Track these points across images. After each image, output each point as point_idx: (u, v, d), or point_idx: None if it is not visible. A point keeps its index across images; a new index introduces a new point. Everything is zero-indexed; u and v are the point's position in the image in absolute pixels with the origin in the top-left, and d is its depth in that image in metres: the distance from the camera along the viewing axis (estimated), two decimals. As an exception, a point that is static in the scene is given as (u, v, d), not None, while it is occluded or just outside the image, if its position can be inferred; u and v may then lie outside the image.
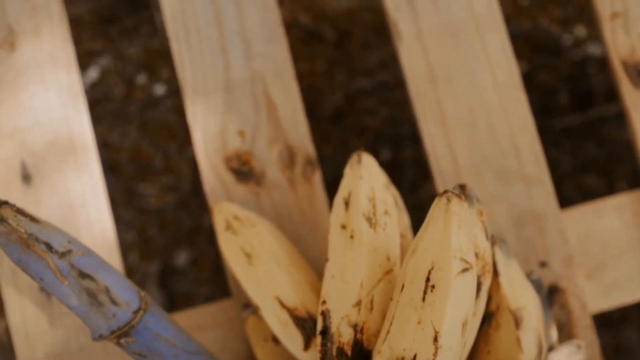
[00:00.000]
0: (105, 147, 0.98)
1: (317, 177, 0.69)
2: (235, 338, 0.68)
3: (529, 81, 1.01)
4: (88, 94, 0.97)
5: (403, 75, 0.69)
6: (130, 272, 0.95)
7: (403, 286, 0.50)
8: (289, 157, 0.68)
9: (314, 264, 0.66)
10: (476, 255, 0.55)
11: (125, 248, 0.96)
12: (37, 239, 0.54)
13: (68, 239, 0.55)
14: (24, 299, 0.66)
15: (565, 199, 0.98)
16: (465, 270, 0.49)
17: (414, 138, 0.99)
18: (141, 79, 0.99)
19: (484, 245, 0.55)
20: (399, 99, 1.00)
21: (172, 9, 0.69)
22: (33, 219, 0.55)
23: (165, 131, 0.99)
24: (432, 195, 0.96)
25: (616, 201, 0.70)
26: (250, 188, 0.68)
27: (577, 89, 1.03)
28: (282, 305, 0.57)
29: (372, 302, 0.53)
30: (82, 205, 0.67)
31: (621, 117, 1.02)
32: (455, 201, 0.50)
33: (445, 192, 0.50)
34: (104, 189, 0.67)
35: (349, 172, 0.58)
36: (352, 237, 0.54)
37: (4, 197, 0.66)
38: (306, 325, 0.56)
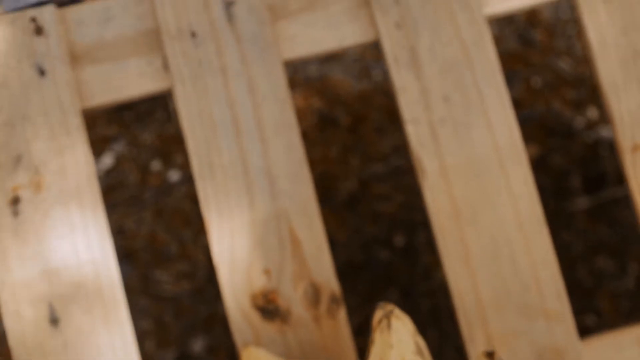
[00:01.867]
0: (120, 234, 0.99)
1: (342, 314, 0.69)
2: None
3: (542, 164, 1.01)
4: (102, 181, 0.97)
5: (427, 213, 0.70)
6: (147, 361, 0.96)
7: None
8: (314, 295, 0.69)
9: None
10: None
11: (141, 336, 0.97)
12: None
13: None
14: None
15: (580, 288, 0.99)
16: None
17: (428, 223, 1.00)
18: (156, 165, 1.00)
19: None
20: (413, 185, 1.00)
21: (196, 145, 0.70)
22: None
23: (180, 218, 0.99)
24: (445, 282, 0.97)
25: (636, 332, 0.71)
26: (277, 326, 0.68)
27: (589, 171, 1.03)
28: None
29: None
30: (110, 350, 0.67)
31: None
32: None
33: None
34: (132, 334, 0.68)
35: (378, 337, 0.58)
36: (384, 413, 0.55)
37: (31, 341, 0.66)
38: None
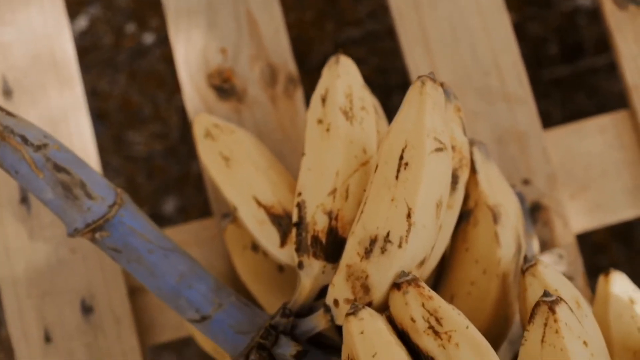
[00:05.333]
0: (94, 96, 0.98)
1: (299, 95, 0.68)
2: (216, 256, 0.67)
3: (519, 32, 1.00)
4: (76, 43, 0.97)
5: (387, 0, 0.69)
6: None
7: (377, 167, 0.49)
8: (271, 75, 0.68)
9: (295, 179, 0.66)
10: (453, 148, 0.54)
11: (113, 195, 0.96)
12: (12, 132, 0.54)
13: (44, 134, 0.55)
14: (4, 213, 0.66)
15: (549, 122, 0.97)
16: (439, 150, 0.48)
17: (404, 87, 0.99)
18: (130, 27, 0.99)
19: (462, 139, 0.55)
20: (388, 49, 1.00)
21: None
22: (9, 113, 0.55)
23: (154, 80, 0.99)
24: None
25: (599, 122, 0.70)
26: (232, 105, 0.68)
27: (567, 40, 1.02)
28: (259, 204, 0.57)
29: (347, 191, 0.52)
30: (63, 120, 0.67)
31: (612, 69, 1.01)
32: (429, 84, 0.49)
33: (420, 76, 0.50)
34: (84, 104, 0.67)
35: (326, 72, 0.57)
36: (328, 130, 0.54)
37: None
38: (282, 222, 0.56)
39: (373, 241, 0.48)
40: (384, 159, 0.49)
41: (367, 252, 0.48)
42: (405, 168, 0.48)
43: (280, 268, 0.62)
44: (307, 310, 0.53)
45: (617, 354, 0.56)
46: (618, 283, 0.59)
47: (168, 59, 0.98)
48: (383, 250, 0.48)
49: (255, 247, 0.61)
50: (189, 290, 0.55)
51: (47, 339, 0.64)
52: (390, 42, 0.99)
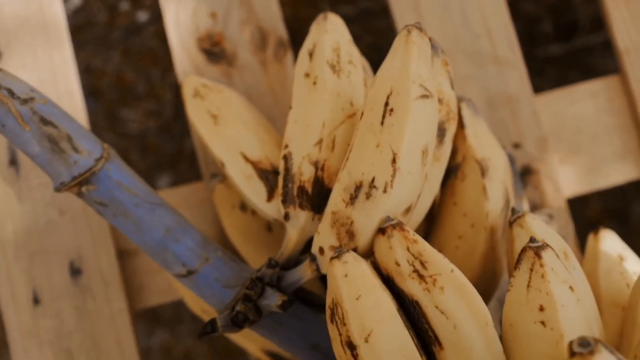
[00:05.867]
0: (87, 73, 0.98)
1: (289, 59, 0.68)
2: (206, 220, 0.67)
3: (513, 10, 1.00)
4: (70, 20, 0.97)
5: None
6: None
7: (362, 114, 0.49)
8: (261, 39, 0.68)
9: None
10: (440, 101, 0.54)
11: (106, 172, 0.96)
12: (-1, 85, 0.54)
13: (30, 88, 0.55)
14: (-7, 175, 0.65)
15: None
16: (424, 96, 0.48)
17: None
18: (124, 5, 0.99)
19: (449, 93, 0.54)
20: (382, 26, 1.00)
21: None
22: (-5, 67, 0.54)
23: (148, 57, 0.99)
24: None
25: (590, 87, 0.69)
26: (222, 69, 0.68)
27: (562, 19, 1.02)
28: (247, 159, 0.57)
29: (333, 141, 0.52)
30: (52, 81, 0.66)
31: (607, 47, 1.01)
32: (415, 32, 0.49)
33: (407, 25, 0.50)
34: (74, 65, 0.67)
35: (314, 27, 0.57)
36: (315, 83, 0.54)
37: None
38: (270, 177, 0.56)
39: (358, 187, 0.48)
40: (369, 106, 0.49)
41: (352, 198, 0.48)
42: (390, 114, 0.48)
43: (269, 227, 0.61)
44: (293, 263, 0.53)
45: (606, 310, 0.56)
46: (608, 241, 0.58)
47: (162, 37, 0.97)
48: (368, 195, 0.47)
49: (243, 206, 0.61)
50: (176, 244, 0.55)
51: (36, 300, 0.64)
52: (384, 20, 0.99)
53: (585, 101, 0.69)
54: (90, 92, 0.98)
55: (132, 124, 0.98)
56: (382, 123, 0.48)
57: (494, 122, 0.67)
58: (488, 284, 0.56)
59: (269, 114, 0.67)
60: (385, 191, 0.47)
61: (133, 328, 0.65)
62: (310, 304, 0.56)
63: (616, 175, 0.68)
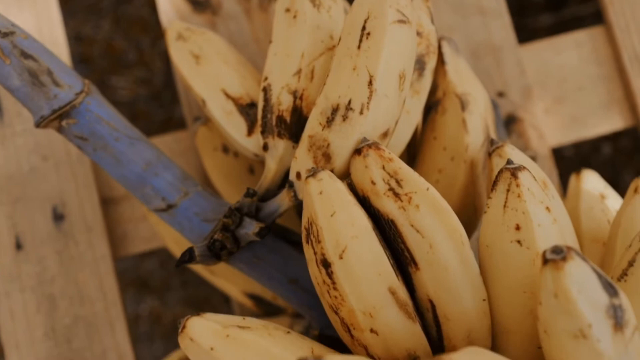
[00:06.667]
0: (78, 41, 0.98)
1: (274, 8, 0.68)
2: (190, 168, 0.67)
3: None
4: (62, -11, 0.97)
5: None
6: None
7: (340, 40, 0.49)
8: (246, -12, 0.68)
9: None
10: (420, 34, 0.54)
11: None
12: (-21, 18, 0.54)
13: (11, 23, 0.55)
14: (-23, 122, 0.65)
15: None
16: (401, 22, 0.48)
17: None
18: (115, -26, 1.00)
19: (429, 27, 0.54)
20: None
21: None
22: (-24, 1, 0.55)
23: (138, 25, 0.99)
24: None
25: (575, 37, 0.69)
26: (207, 18, 0.68)
27: (552, -11, 1.02)
28: (227, 96, 0.57)
29: (312, 72, 0.52)
30: (37, 34, 0.67)
31: (597, 18, 1.01)
32: (393, -40, 0.49)
33: (385, -46, 0.50)
34: (60, 20, 0.67)
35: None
36: (295, 17, 0.54)
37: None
38: (250, 112, 0.56)
39: (335, 110, 0.48)
40: (346, 31, 0.49)
41: (329, 121, 0.48)
42: (367, 38, 0.48)
43: (251, 170, 0.61)
44: (272, 195, 0.53)
45: (587, 246, 0.55)
46: (590, 180, 0.58)
47: (152, 5, 0.98)
48: (345, 117, 0.47)
49: (225, 148, 0.61)
50: (155, 178, 0.55)
51: (18, 245, 0.64)
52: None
53: (570, 51, 0.69)
54: (81, 59, 0.98)
55: (122, 92, 0.98)
56: (358, 47, 0.48)
57: (478, 71, 0.67)
58: (468, 219, 0.55)
59: (253, 62, 0.67)
60: (361, 113, 0.47)
61: (115, 274, 0.65)
62: (290, 242, 0.56)
63: (601, 125, 0.68)
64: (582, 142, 0.94)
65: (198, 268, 0.63)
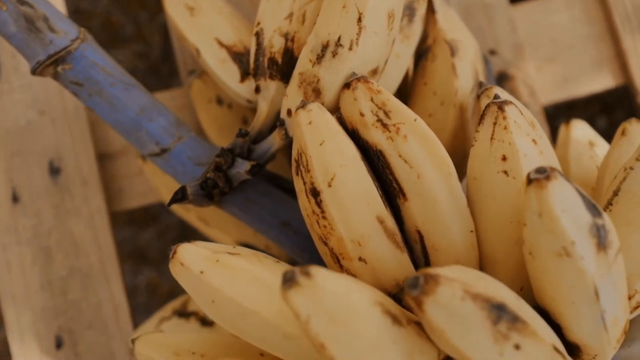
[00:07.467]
0: (76, 15, 0.99)
1: (268, -33, 0.69)
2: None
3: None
4: (61, -36, 0.98)
5: None
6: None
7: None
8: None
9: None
10: (410, -19, 0.55)
11: (94, 112, 0.96)
12: (-24, -36, 0.55)
13: (8, -29, 0.56)
14: (-26, 77, 0.66)
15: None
16: (391, -39, 0.49)
17: None
18: (114, -51, 1.01)
19: (419, -25, 0.55)
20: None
21: None
22: (-27, -51, 0.55)
23: (136, 0, 1.00)
24: None
25: (567, -3, 0.70)
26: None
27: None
28: (221, 44, 0.57)
29: (304, 15, 0.53)
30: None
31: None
32: None
33: None
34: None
35: None
36: (287, -36, 0.55)
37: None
38: (243, 59, 0.57)
39: (325, 47, 0.48)
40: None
41: (319, 58, 0.49)
42: (357, -24, 0.48)
43: (245, 121, 0.62)
44: (264, 137, 0.54)
45: (576, 190, 0.56)
46: (579, 128, 0.59)
47: (150, -20, 0.99)
48: (334, 54, 0.48)
49: (219, 100, 0.62)
50: (150, 123, 0.55)
51: (15, 198, 0.65)
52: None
53: (561, 12, 0.70)
54: (79, 34, 0.98)
55: (121, 65, 0.98)
56: (348, -15, 0.49)
57: (469, 28, 0.68)
58: (458, 164, 0.56)
59: (249, 19, 0.68)
60: (351, 49, 0.48)
61: (111, 227, 0.65)
62: (282, 188, 0.57)
63: (592, 83, 0.69)
64: (576, 114, 0.94)
65: (193, 219, 0.63)
